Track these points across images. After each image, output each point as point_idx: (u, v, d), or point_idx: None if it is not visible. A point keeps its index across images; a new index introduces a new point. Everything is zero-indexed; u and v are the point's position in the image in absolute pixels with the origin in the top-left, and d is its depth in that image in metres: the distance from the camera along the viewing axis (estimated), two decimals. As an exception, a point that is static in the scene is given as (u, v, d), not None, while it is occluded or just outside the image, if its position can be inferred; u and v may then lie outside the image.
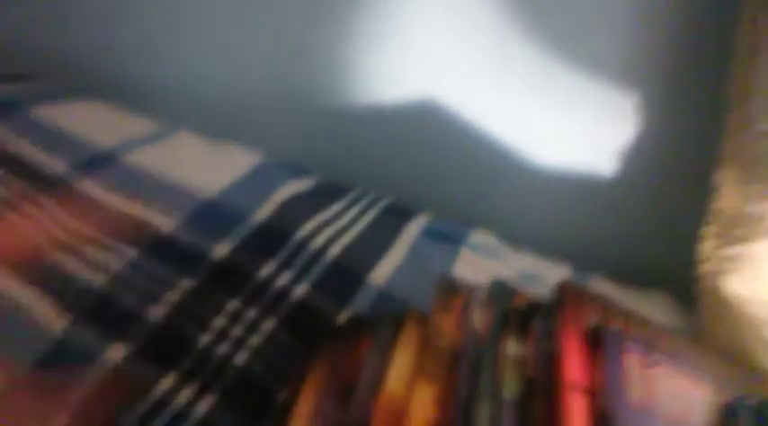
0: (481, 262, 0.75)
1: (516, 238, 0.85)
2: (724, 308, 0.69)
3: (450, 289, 0.56)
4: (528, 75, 0.81)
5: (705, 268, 0.70)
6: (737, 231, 0.67)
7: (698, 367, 0.50)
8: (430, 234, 0.78)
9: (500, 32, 0.80)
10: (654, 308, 0.77)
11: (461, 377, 0.48)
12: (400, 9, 0.85)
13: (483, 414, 0.45)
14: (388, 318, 0.56)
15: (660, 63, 0.77)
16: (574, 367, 0.46)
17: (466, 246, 0.77)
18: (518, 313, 0.52)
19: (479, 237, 0.80)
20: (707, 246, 0.70)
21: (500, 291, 0.55)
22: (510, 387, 0.46)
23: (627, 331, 0.51)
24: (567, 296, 0.51)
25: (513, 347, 0.49)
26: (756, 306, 0.67)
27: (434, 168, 0.93)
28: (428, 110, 0.89)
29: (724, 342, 0.68)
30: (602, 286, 0.79)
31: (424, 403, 0.47)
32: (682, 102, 0.78)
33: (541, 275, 0.78)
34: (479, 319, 0.52)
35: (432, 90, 0.88)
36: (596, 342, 0.47)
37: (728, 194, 0.67)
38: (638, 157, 0.82)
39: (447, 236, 0.78)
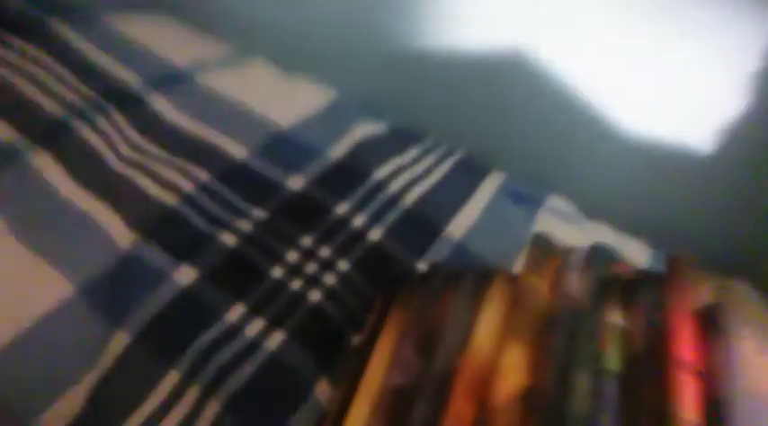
0: (559, 227, 0.71)
1: (590, 207, 0.80)
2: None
3: (545, 249, 0.52)
4: (628, 32, 0.75)
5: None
6: None
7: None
8: (507, 192, 0.73)
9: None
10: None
11: (558, 342, 0.44)
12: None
13: (583, 385, 0.41)
14: (475, 272, 0.52)
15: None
16: (686, 345, 0.42)
17: (544, 209, 0.73)
18: (621, 281, 0.48)
19: (557, 202, 0.76)
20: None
21: (600, 256, 0.50)
22: (613, 359, 0.43)
23: (741, 313, 0.46)
24: (678, 268, 0.47)
25: (615, 317, 0.45)
26: None
27: (511, 124, 0.88)
28: (512, 62, 0.83)
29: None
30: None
31: (515, 364, 0.44)
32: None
33: (619, 248, 0.74)
34: (576, 283, 0.49)
35: (518, 40, 0.82)
36: (711, 322, 0.43)
37: None
38: (733, 135, 0.76)
39: (525, 197, 0.74)
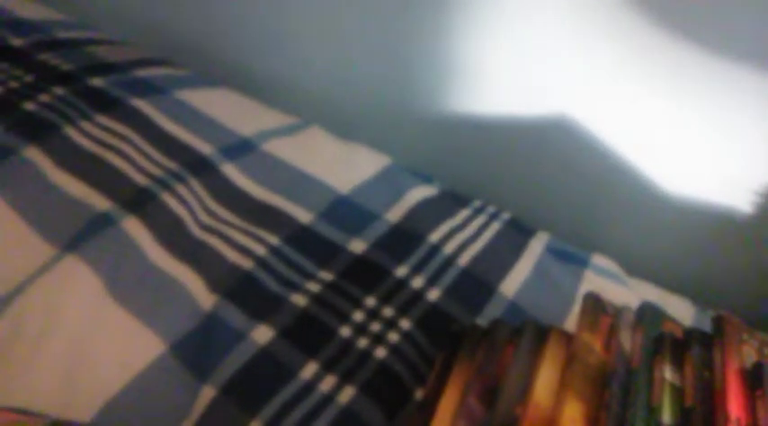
0: (604, 285, 0.75)
1: (631, 265, 0.83)
2: None
3: (596, 308, 0.55)
4: (674, 98, 0.80)
5: None
6: None
7: None
8: (554, 252, 0.77)
9: (642, 46, 0.78)
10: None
11: (614, 397, 0.48)
12: (532, 22, 0.85)
13: (640, 437, 0.44)
14: (532, 328, 0.56)
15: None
16: (735, 401, 0.45)
17: (590, 269, 0.77)
18: (671, 339, 0.51)
19: (601, 260, 0.79)
20: None
21: (650, 315, 0.54)
22: (667, 413, 0.46)
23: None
24: (726, 328, 0.50)
25: (667, 373, 0.49)
26: None
27: (555, 185, 0.92)
28: (555, 124, 0.88)
29: None
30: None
31: (573, 417, 0.47)
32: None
33: (663, 307, 0.77)
34: (629, 341, 0.52)
35: (562, 102, 0.87)
36: (758, 379, 0.46)
37: None
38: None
39: (571, 256, 0.78)
